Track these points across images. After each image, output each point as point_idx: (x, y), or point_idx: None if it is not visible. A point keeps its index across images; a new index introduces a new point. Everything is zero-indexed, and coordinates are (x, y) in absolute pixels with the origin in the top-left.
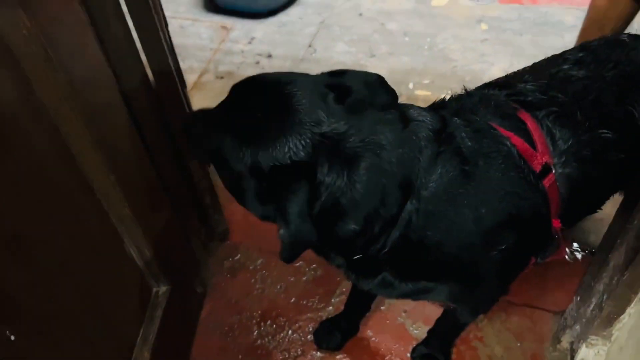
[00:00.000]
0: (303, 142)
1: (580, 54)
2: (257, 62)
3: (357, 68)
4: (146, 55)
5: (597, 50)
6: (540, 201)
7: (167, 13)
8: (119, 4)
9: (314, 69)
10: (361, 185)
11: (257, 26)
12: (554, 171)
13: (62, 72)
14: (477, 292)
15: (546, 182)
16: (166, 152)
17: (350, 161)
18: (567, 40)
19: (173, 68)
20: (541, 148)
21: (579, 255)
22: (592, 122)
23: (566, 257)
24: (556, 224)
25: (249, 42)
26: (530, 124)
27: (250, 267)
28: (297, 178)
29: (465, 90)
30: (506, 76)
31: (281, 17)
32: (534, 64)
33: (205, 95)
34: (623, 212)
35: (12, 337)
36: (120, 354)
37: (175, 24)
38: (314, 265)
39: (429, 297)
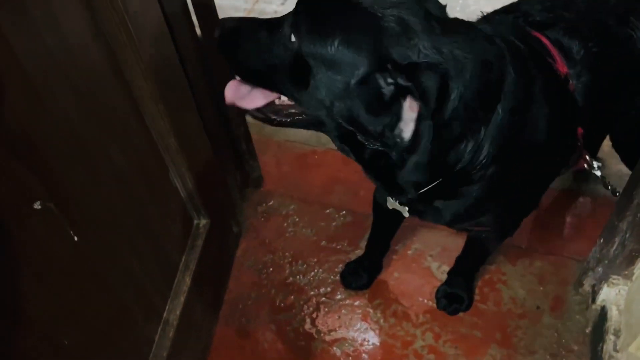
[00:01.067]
0: (433, 46)
1: None
2: None
3: None
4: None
5: None
6: (572, 107)
7: None
8: None
9: None
10: (477, 89)
11: None
12: (571, 81)
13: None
14: (514, 209)
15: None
16: (207, 93)
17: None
18: None
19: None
20: (559, 60)
21: (597, 169)
22: (598, 38)
23: (585, 165)
24: (579, 130)
25: (282, 3)
26: (545, 40)
27: (283, 212)
28: (436, 80)
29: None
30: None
31: None
32: None
33: None
34: None
35: (76, 238)
36: (165, 274)
37: None
38: (344, 212)
39: (475, 221)
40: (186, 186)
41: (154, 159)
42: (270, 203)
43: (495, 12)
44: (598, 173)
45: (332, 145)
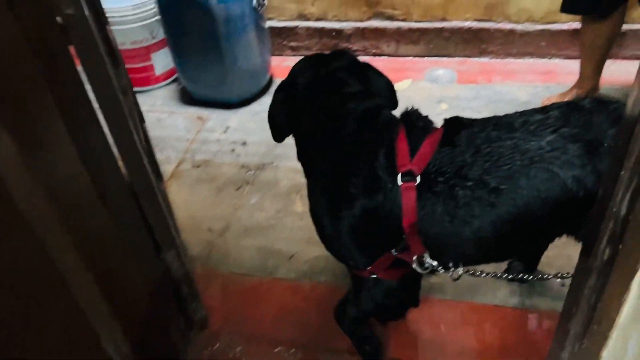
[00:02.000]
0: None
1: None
2: (233, 150)
3: None
4: (122, 158)
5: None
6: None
7: (144, 108)
8: (94, 114)
9: (288, 154)
10: None
11: (232, 116)
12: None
13: (40, 175)
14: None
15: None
16: (144, 246)
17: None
18: None
19: (148, 168)
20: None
21: (431, 264)
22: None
23: (413, 265)
24: (405, 222)
25: (224, 131)
26: (402, 136)
27: (230, 355)
28: None
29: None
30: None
31: (254, 106)
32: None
33: (182, 184)
34: (577, 278)
35: None
36: None
37: (152, 117)
38: (293, 349)
39: None
40: (120, 351)
41: (83, 330)
42: (216, 346)
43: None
44: (418, 269)
45: (280, 274)
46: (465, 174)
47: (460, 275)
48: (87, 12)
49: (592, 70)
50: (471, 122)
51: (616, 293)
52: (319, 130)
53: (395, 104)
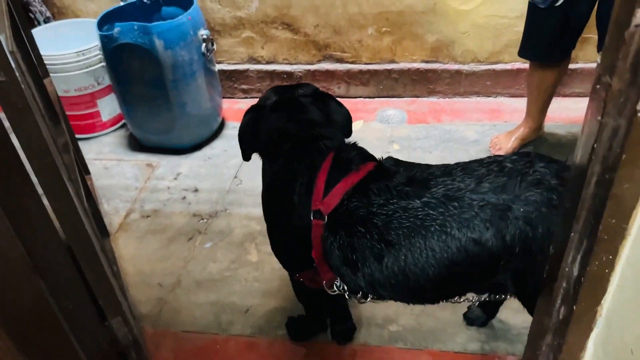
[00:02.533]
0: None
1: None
2: (184, 198)
3: None
4: (60, 223)
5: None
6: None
7: (90, 156)
8: (28, 179)
9: (241, 200)
10: None
11: (183, 161)
12: (323, 221)
13: None
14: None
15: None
16: (87, 315)
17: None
18: (472, 153)
19: (90, 229)
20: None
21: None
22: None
23: (324, 286)
24: (313, 254)
25: (175, 178)
26: (323, 171)
27: None
28: None
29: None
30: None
31: (206, 150)
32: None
33: (131, 236)
34: (534, 336)
35: None
36: None
37: (99, 165)
38: None
39: None
40: None
41: None
42: None
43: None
44: (328, 291)
45: (235, 331)
46: (367, 224)
47: (365, 301)
48: (20, 76)
49: (538, 110)
50: (395, 172)
51: (573, 352)
52: (269, 149)
53: (348, 134)
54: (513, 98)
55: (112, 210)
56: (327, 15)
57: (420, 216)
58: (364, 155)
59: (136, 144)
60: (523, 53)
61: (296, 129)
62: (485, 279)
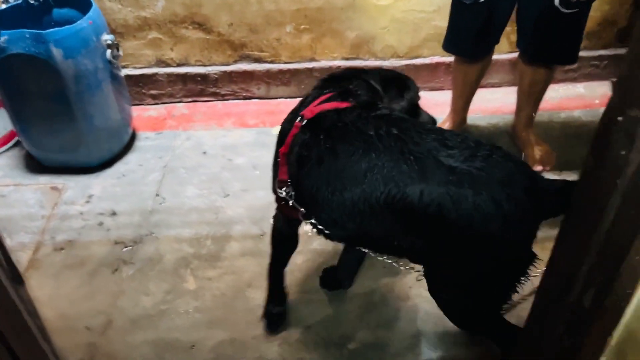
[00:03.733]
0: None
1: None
2: (101, 224)
3: (213, 210)
4: None
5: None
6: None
7: None
8: None
9: (168, 220)
10: None
11: (94, 181)
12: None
13: None
14: None
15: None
16: None
17: None
18: None
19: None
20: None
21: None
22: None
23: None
24: (282, 149)
25: (87, 201)
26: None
27: None
28: None
29: None
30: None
31: (119, 166)
32: None
33: (44, 274)
34: None
35: None
36: None
37: None
38: None
39: None
40: None
41: None
42: None
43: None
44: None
45: None
46: (327, 132)
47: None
48: None
49: (463, 105)
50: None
51: None
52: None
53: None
54: (433, 92)
55: (18, 246)
56: (242, 13)
57: (369, 142)
58: (370, 97)
59: (36, 165)
60: (448, 48)
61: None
62: (398, 234)
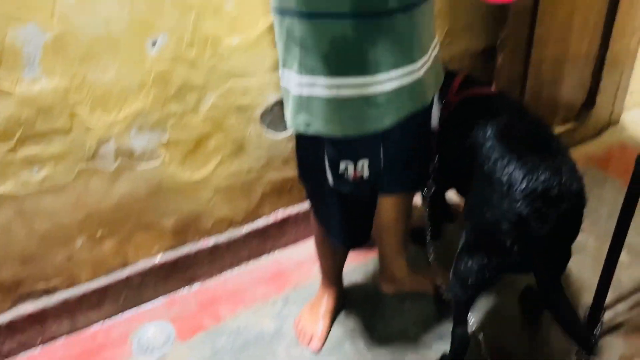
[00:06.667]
0: None
1: None
2: None
3: None
4: None
5: None
6: None
7: None
8: None
9: None
10: None
11: None
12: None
13: None
14: None
15: None
16: None
17: None
18: (281, 354)
19: None
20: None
21: None
22: None
23: None
24: None
25: None
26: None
27: None
28: None
29: None
30: None
31: None
32: None
33: None
34: None
35: None
36: None
37: None
38: None
39: None
40: None
41: None
42: None
43: None
44: None
45: None
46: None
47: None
48: None
49: (335, 276)
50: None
51: None
52: None
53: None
54: (287, 248)
55: None
56: (4, 247)
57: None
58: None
59: None
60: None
61: None
62: None
